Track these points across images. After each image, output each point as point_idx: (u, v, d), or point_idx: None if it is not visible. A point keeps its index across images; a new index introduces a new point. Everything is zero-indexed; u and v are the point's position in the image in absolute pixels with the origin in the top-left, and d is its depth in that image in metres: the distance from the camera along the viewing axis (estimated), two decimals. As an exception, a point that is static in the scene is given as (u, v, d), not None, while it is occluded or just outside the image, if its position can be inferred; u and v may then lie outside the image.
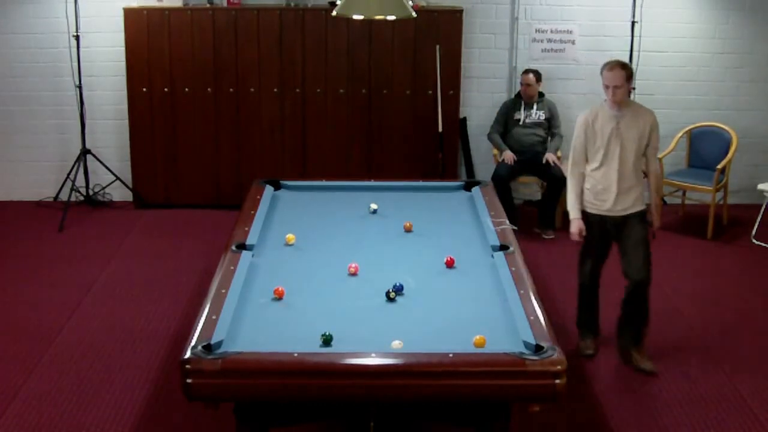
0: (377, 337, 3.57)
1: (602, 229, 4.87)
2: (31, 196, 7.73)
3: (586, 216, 4.87)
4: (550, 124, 7.23)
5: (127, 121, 7.46)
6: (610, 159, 4.74)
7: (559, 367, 3.32)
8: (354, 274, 4.25)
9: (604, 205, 4.82)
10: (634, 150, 4.73)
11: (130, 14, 7.21)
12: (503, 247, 4.52)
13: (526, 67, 7.28)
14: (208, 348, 3.41)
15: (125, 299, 5.73)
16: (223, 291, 3.93)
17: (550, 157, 7.01)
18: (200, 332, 3.53)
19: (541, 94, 7.23)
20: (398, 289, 4.00)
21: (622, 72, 4.64)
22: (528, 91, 7.13)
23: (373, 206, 5.23)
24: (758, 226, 7.00)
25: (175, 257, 6.46)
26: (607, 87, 4.67)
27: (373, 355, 3.37)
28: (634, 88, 7.28)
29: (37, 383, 4.64)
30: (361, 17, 4.56)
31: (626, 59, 7.25)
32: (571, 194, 4.88)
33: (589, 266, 4.99)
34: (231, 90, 7.38)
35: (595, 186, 4.82)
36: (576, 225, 4.86)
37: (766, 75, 7.65)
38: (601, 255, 4.97)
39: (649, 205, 4.97)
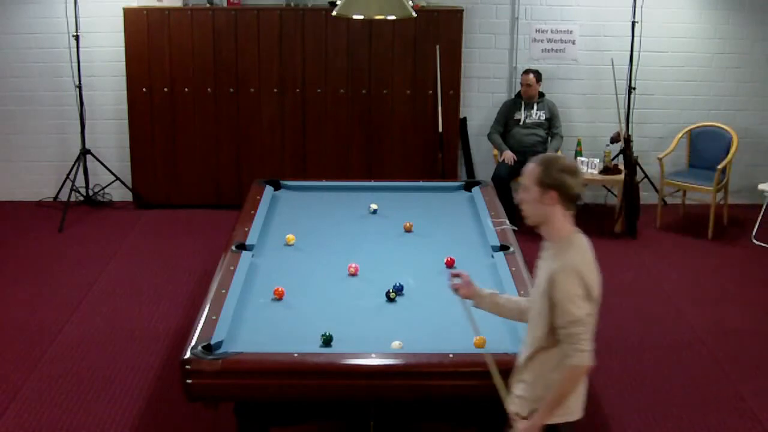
0: (377, 337, 3.57)
1: None
2: (31, 196, 7.72)
3: None
4: (551, 124, 7.22)
5: (127, 121, 7.46)
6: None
7: (559, 367, 3.31)
8: (354, 275, 4.25)
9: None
10: (537, 308, 2.91)
11: (130, 14, 7.20)
12: (503, 247, 4.52)
13: (526, 67, 7.28)
14: (208, 348, 3.41)
15: (125, 299, 5.73)
16: (223, 291, 3.93)
17: None
18: (200, 332, 3.53)
19: (541, 94, 7.23)
20: (398, 289, 4.00)
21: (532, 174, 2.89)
22: (528, 92, 7.13)
23: (373, 206, 5.23)
24: (758, 226, 7.00)
25: (175, 257, 6.46)
26: None
27: (373, 355, 3.37)
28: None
29: (37, 383, 4.64)
30: (361, 17, 4.56)
31: (626, 59, 7.26)
32: None
33: None
34: (231, 90, 7.38)
35: None
36: None
37: (765, 75, 7.65)
38: None
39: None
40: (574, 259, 2.81)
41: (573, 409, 2.96)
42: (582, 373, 2.86)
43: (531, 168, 2.89)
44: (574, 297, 2.76)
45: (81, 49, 7.23)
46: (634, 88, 7.33)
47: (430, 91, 7.40)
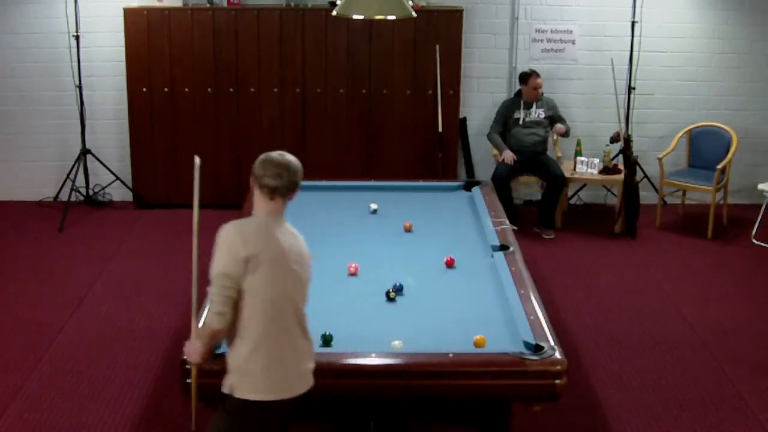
0: (377, 337, 3.57)
1: None
2: (31, 196, 7.73)
3: None
4: (553, 119, 7.16)
5: (127, 121, 7.46)
6: None
7: (559, 367, 3.32)
8: (354, 274, 4.26)
9: None
10: None
11: (130, 14, 7.20)
12: (503, 247, 4.52)
13: (531, 69, 7.13)
14: (209, 348, 3.40)
15: (125, 299, 5.73)
16: (223, 291, 3.92)
17: (558, 127, 6.98)
18: (200, 332, 3.52)
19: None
20: (398, 289, 4.00)
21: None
22: (538, 95, 7.08)
23: (373, 206, 5.23)
24: (758, 226, 7.00)
25: (175, 257, 6.46)
26: None
27: (373, 355, 3.37)
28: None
29: (37, 383, 4.64)
30: (361, 17, 4.56)
31: (626, 59, 7.26)
32: None
33: None
34: (231, 90, 7.38)
35: None
36: None
37: (765, 75, 7.65)
38: None
39: None
40: (235, 223, 3.23)
41: (259, 387, 3.06)
42: (207, 330, 3.05)
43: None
44: (216, 255, 3.20)
45: (81, 49, 7.23)
46: (634, 88, 7.33)
47: (430, 91, 7.40)
